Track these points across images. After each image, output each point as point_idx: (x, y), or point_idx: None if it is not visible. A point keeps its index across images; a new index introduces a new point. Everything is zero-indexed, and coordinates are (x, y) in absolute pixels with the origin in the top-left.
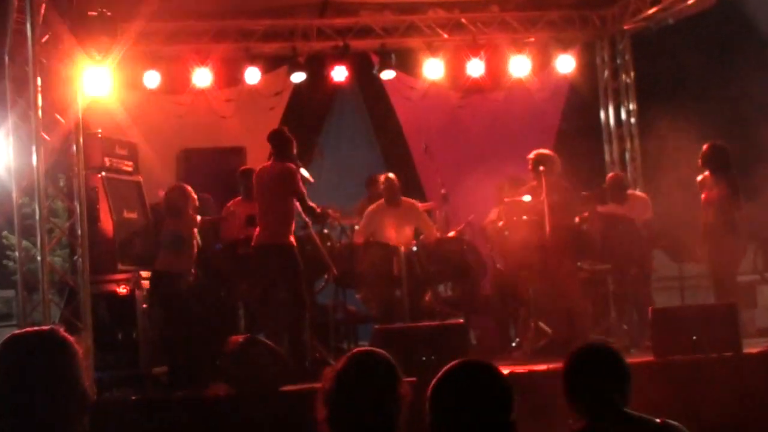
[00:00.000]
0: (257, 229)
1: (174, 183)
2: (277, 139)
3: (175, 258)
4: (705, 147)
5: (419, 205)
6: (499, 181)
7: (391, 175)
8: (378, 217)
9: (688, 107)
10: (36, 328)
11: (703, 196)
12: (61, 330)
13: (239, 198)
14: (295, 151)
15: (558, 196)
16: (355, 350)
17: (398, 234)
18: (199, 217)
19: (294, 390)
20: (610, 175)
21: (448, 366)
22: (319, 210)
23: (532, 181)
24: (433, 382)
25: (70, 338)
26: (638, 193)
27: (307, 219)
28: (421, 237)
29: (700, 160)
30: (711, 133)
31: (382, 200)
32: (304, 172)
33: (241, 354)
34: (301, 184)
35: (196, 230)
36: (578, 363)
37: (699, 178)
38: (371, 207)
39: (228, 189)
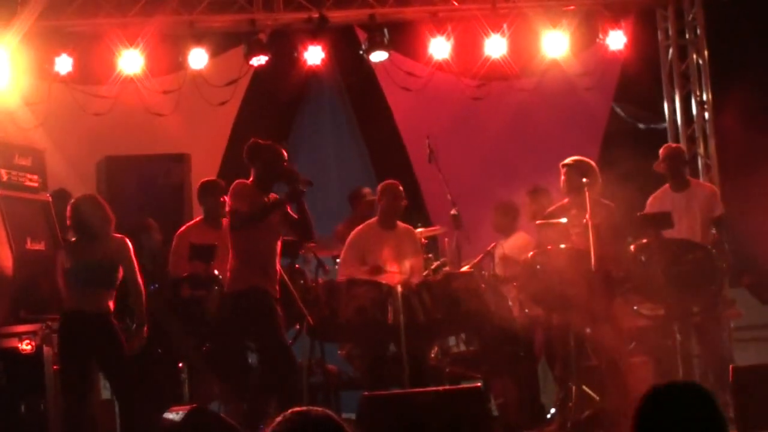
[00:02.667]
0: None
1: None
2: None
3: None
4: None
5: (417, 232)
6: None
7: (399, 186)
8: (372, 242)
9: None
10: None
11: None
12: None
13: (198, 221)
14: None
15: (603, 219)
16: (288, 411)
17: (398, 268)
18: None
19: None
20: (665, 146)
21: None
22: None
23: (564, 198)
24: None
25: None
26: (704, 182)
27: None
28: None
29: None
30: None
31: (374, 220)
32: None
33: (188, 428)
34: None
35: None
36: (654, 407)
37: None
38: (359, 228)
39: (167, 209)
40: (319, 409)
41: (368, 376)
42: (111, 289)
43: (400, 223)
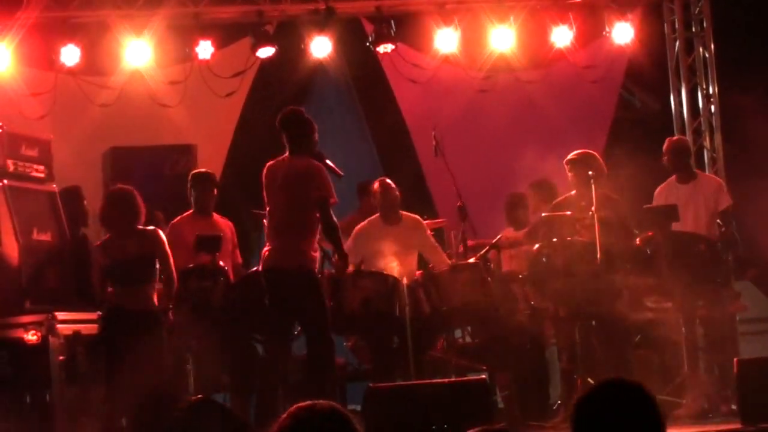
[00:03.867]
0: (265, 250)
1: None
2: (292, 124)
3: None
4: None
5: (425, 222)
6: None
7: (388, 180)
8: (373, 238)
9: None
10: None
11: None
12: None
13: (190, 212)
14: (317, 138)
15: (609, 211)
16: (294, 407)
17: (401, 261)
18: None
19: None
20: (670, 138)
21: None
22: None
23: (570, 190)
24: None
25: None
26: (710, 175)
27: (324, 242)
28: (430, 266)
29: None
30: None
31: (376, 215)
32: (330, 163)
33: (190, 422)
34: (332, 189)
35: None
36: (588, 408)
37: None
38: (362, 224)
39: (174, 201)
40: (325, 402)
41: (374, 368)
42: (152, 282)
43: (405, 215)
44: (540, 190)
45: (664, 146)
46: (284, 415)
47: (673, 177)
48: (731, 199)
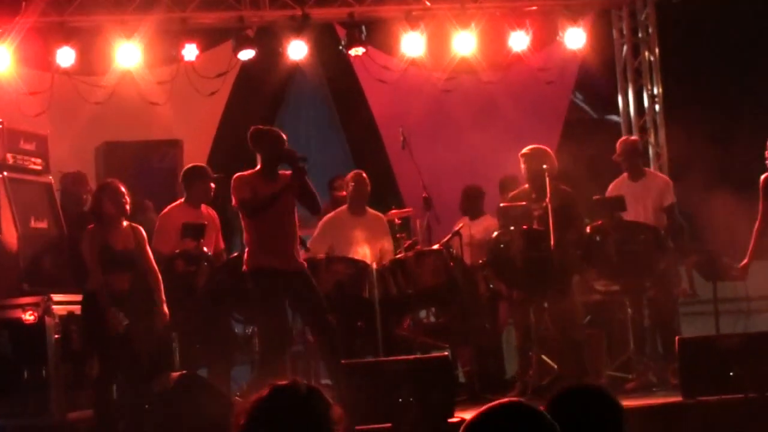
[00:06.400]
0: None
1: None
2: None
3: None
4: None
5: (393, 212)
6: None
7: (363, 174)
8: (342, 227)
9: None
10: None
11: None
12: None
13: (180, 202)
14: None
15: (561, 202)
16: (274, 384)
17: (369, 248)
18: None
19: None
20: (622, 140)
21: (488, 408)
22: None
23: (524, 184)
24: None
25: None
26: (659, 174)
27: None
28: (398, 252)
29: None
30: (755, 122)
31: (344, 207)
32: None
33: (176, 395)
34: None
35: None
36: (557, 410)
37: (763, 176)
38: (329, 215)
39: (161, 191)
40: (304, 383)
41: (345, 346)
42: (131, 272)
43: (369, 210)
44: (506, 188)
45: (618, 146)
46: (264, 393)
47: (625, 174)
48: (674, 198)
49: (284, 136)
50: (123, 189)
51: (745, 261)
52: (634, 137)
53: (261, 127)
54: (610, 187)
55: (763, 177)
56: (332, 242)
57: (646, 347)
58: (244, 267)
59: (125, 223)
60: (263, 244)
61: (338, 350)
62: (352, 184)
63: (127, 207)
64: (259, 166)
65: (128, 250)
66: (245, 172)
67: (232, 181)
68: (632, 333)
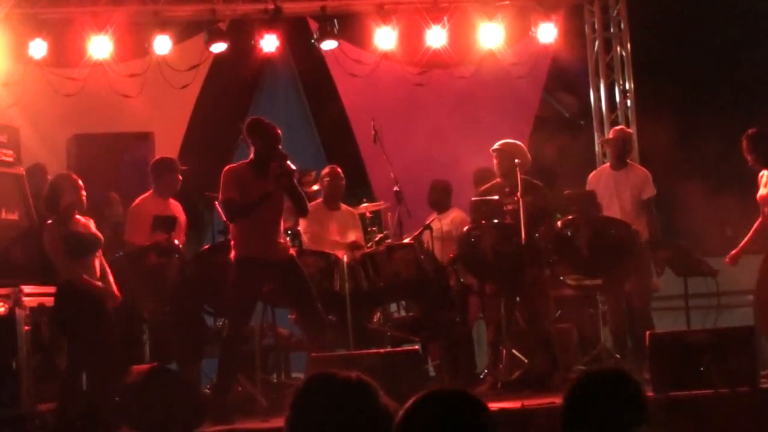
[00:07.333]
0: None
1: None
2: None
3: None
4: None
5: (365, 205)
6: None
7: (339, 169)
8: (315, 221)
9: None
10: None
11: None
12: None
13: (149, 194)
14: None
15: (532, 197)
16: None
17: (342, 241)
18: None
19: None
20: (619, 127)
21: (417, 398)
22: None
23: (496, 178)
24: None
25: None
26: (639, 166)
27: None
28: (368, 246)
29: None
30: (727, 118)
31: (318, 201)
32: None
33: (146, 387)
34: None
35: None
36: (582, 394)
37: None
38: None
39: (132, 184)
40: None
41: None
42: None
43: (343, 205)
44: (481, 180)
45: (610, 134)
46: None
47: (607, 164)
48: (655, 190)
49: (281, 136)
50: (80, 182)
51: (735, 251)
52: (627, 128)
53: (261, 118)
54: (590, 176)
55: (761, 174)
56: (308, 235)
57: (617, 342)
58: (232, 255)
59: (79, 217)
60: (252, 234)
61: (327, 338)
62: (327, 179)
63: (84, 200)
64: (250, 157)
65: (92, 232)
66: (235, 165)
67: (222, 174)
68: (605, 328)
